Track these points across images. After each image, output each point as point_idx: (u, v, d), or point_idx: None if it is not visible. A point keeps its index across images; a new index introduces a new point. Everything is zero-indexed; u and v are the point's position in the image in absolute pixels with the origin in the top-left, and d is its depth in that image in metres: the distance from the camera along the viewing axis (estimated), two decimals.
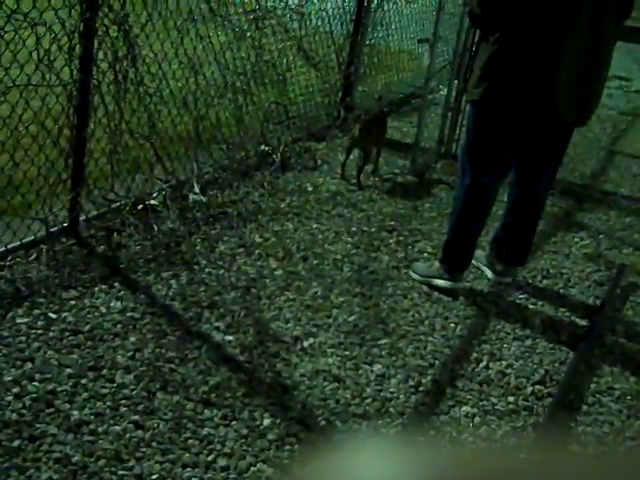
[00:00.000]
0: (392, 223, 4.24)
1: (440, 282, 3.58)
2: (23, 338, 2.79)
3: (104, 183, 3.72)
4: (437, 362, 3.07)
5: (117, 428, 2.43)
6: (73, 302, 3.05)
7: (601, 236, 4.49)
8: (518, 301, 3.62)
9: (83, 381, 2.62)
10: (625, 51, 5.79)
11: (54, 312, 2.96)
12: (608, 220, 4.77)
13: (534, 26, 3.11)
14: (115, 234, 3.57)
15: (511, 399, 2.93)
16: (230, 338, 3.00)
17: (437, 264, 3.62)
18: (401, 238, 4.08)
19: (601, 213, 4.85)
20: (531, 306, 3.60)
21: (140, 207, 3.75)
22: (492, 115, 3.30)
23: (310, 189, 4.55)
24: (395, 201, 4.56)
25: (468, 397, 2.90)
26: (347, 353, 3.03)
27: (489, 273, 3.77)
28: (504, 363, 3.14)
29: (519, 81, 3.17)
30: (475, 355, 3.17)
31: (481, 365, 3.11)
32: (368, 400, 2.77)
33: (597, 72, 3.25)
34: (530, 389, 3.00)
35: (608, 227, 4.66)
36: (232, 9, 4.63)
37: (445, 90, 5.55)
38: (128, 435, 2.41)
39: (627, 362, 3.27)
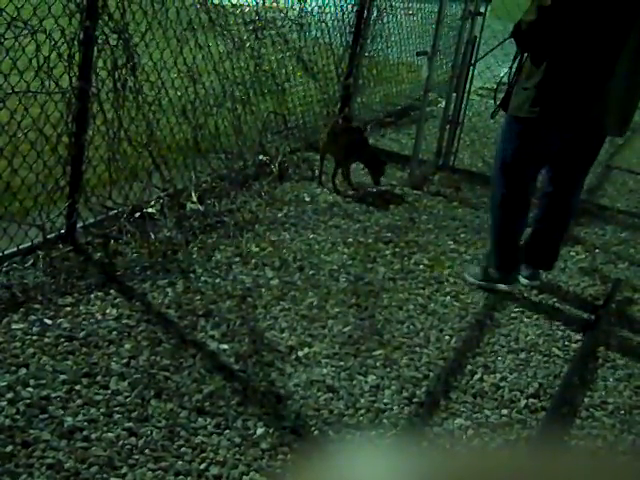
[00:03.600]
0: (388, 234, 4.25)
1: (502, 287, 3.78)
2: (18, 344, 2.80)
3: (102, 190, 3.73)
4: (431, 374, 3.08)
5: (110, 435, 2.43)
6: (69, 308, 3.05)
7: (597, 250, 4.51)
8: (513, 314, 3.63)
9: (77, 387, 2.63)
10: None
11: (50, 318, 2.97)
12: (604, 235, 4.78)
13: (587, 45, 3.26)
14: (112, 241, 3.58)
15: (505, 412, 2.93)
16: (225, 347, 3.00)
17: (492, 270, 3.79)
18: (397, 250, 4.09)
19: (597, 228, 4.87)
20: (526, 319, 3.61)
21: (137, 215, 3.76)
22: (543, 131, 3.44)
23: (307, 199, 4.56)
24: (392, 213, 4.57)
25: (462, 409, 2.90)
26: (342, 363, 3.03)
27: (523, 280, 3.91)
28: (498, 376, 3.14)
29: (574, 98, 3.33)
30: (469, 367, 3.18)
31: (475, 377, 3.11)
32: (362, 411, 2.77)
33: (638, 87, 3.47)
34: (524, 402, 3.01)
35: (604, 242, 4.68)
36: (232, 19, 4.65)
37: (444, 102, 5.57)
38: (121, 442, 2.41)
39: (621, 376, 3.28)
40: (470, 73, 5.34)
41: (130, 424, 2.49)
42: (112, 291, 3.22)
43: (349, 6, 5.59)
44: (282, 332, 3.17)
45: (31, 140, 3.32)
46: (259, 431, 2.56)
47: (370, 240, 4.14)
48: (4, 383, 2.58)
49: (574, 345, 3.44)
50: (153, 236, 3.67)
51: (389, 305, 3.52)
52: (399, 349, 3.20)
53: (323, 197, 4.64)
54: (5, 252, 3.27)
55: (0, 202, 3.31)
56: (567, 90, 3.34)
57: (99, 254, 3.48)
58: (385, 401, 2.86)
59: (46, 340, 2.84)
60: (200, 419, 2.57)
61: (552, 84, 3.35)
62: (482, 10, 5.24)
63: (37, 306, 3.02)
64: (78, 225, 3.53)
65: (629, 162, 6.29)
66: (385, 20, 6.12)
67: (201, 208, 4.07)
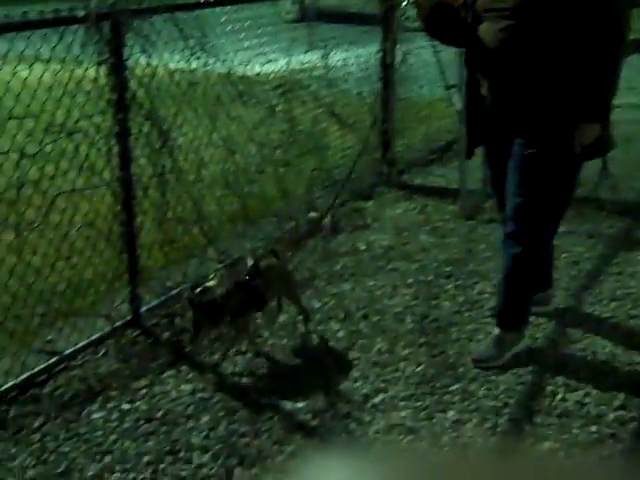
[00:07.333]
0: (448, 269, 4.22)
1: (519, 348, 3.34)
2: (100, 432, 2.86)
3: (160, 272, 3.82)
4: (511, 401, 3.02)
5: None
6: (144, 391, 3.11)
7: None
8: (586, 326, 3.54)
9: (162, 466, 2.67)
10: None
11: (127, 403, 3.03)
12: None
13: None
14: (177, 319, 3.64)
15: (593, 429, 2.85)
16: (300, 405, 3.01)
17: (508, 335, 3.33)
18: (459, 282, 4.05)
19: None
20: (601, 328, 3.52)
21: (198, 290, 3.82)
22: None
23: (363, 247, 4.57)
24: (448, 247, 4.54)
25: (548, 432, 2.84)
26: (419, 404, 3.01)
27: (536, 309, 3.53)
28: (581, 393, 3.06)
29: None
30: (550, 388, 3.11)
31: (557, 398, 3.04)
32: (446, 448, 2.73)
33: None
34: (612, 416, 2.92)
35: None
36: (258, 87, 4.77)
37: None
38: None
39: None
40: None
41: None
42: (183, 367, 3.27)
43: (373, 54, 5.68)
44: (355, 382, 3.17)
45: (85, 235, 3.44)
46: None
47: (431, 277, 4.12)
48: (92, 472, 2.64)
49: None
50: None
51: (459, 338, 3.49)
52: (475, 380, 3.15)
53: (378, 243, 4.64)
54: (77, 345, 3.36)
55: (65, 299, 3.42)
56: None
57: (166, 334, 3.55)
58: (468, 435, 2.82)
59: (126, 425, 2.90)
60: None
61: None
62: None
63: (113, 393, 3.09)
64: (142, 309, 3.61)
65: None
66: (411, 61, 6.18)
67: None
